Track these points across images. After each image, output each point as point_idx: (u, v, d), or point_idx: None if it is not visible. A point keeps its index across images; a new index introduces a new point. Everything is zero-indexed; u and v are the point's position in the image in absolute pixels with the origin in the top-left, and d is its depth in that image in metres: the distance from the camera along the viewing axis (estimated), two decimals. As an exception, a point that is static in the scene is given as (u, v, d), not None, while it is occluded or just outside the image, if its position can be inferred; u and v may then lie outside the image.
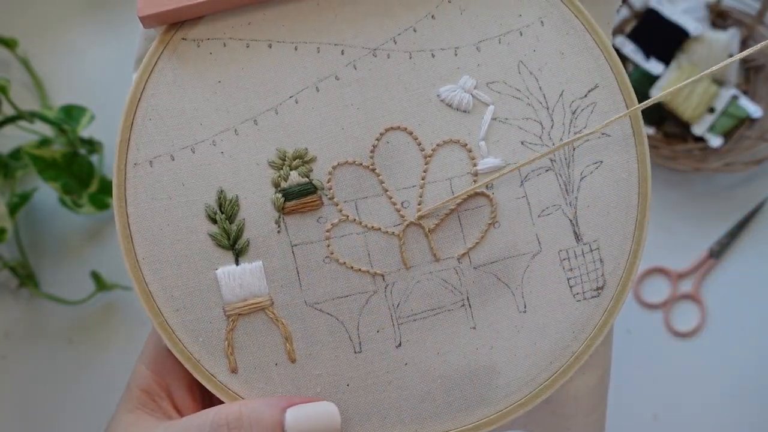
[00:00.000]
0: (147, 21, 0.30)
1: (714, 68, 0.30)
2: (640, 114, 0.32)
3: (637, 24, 0.72)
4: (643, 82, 0.71)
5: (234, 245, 0.31)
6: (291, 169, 0.31)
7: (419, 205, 0.31)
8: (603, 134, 0.32)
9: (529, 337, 0.31)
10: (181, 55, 0.31)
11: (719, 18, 0.73)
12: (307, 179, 0.31)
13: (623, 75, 0.32)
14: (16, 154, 0.60)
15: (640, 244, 0.32)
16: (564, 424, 0.36)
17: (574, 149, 0.32)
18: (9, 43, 0.63)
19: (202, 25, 0.31)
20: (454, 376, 0.31)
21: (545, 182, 0.32)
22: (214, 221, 0.31)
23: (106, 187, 0.60)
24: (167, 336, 0.30)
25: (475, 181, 0.32)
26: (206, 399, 0.33)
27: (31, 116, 0.58)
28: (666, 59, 0.71)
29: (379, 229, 0.31)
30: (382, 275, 0.31)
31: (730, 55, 0.70)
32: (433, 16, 0.32)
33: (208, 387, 0.31)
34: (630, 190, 0.32)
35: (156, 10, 0.30)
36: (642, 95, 0.70)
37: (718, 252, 0.68)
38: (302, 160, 0.31)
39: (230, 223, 0.31)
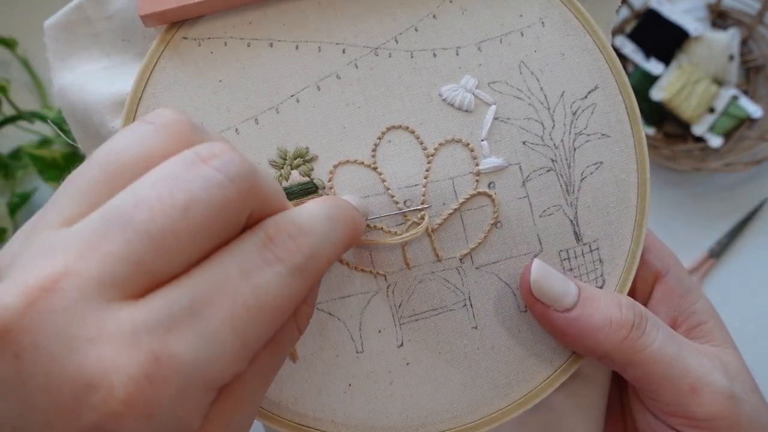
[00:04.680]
0: (148, 20, 0.30)
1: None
2: (639, 115, 0.32)
3: (637, 24, 0.72)
4: (643, 82, 0.71)
5: (235, 245, 0.31)
6: (292, 168, 0.31)
7: (422, 204, 0.31)
8: (603, 135, 0.32)
9: (530, 336, 0.31)
10: (182, 54, 0.31)
11: (719, 18, 0.73)
12: (308, 178, 0.31)
13: (623, 76, 0.32)
14: (16, 154, 0.60)
15: (639, 244, 0.32)
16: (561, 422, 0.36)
17: (574, 150, 0.32)
18: (9, 43, 0.63)
19: (203, 24, 0.31)
20: (456, 376, 0.31)
21: (546, 182, 0.32)
22: (215, 221, 0.31)
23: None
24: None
25: (477, 181, 0.32)
26: None
27: (31, 116, 0.58)
28: (666, 59, 0.71)
29: (381, 228, 0.31)
30: (384, 275, 0.31)
31: (730, 55, 0.70)
32: (434, 16, 0.32)
33: None
34: (629, 191, 0.32)
35: (157, 9, 0.30)
36: (642, 95, 0.70)
37: (718, 252, 0.68)
38: (303, 159, 0.31)
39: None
